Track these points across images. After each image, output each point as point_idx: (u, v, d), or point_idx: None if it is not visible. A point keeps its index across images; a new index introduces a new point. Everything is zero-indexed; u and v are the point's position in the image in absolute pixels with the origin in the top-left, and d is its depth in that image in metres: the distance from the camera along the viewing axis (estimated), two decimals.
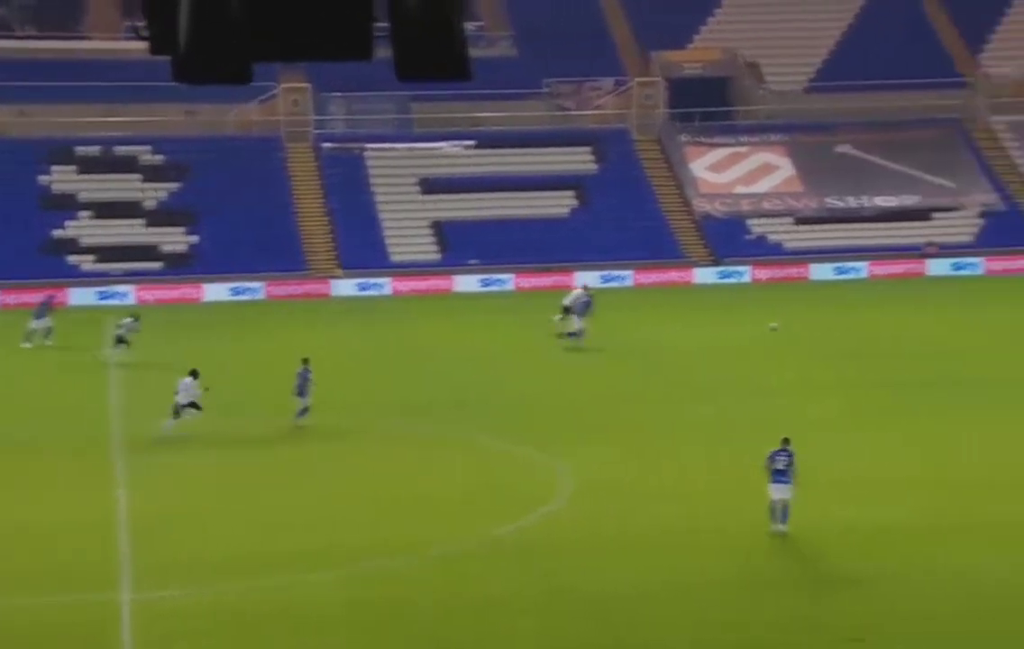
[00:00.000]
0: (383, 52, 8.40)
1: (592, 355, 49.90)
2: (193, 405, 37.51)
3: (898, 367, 46.63)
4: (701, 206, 75.74)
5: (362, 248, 71.78)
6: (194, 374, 38.03)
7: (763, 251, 72.56)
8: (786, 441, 28.55)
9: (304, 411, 38.66)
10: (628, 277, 69.94)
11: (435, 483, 33.05)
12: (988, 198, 75.23)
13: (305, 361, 39.33)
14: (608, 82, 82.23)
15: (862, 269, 70.62)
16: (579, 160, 78.02)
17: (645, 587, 25.62)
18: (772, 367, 46.65)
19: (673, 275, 70.65)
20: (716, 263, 71.55)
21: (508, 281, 69.78)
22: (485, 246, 71.59)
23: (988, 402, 40.48)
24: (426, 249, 72.69)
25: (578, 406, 41.53)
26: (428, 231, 73.57)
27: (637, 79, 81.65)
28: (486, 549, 28.13)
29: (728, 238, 73.33)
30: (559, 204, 75.50)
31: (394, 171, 76.62)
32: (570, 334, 51.64)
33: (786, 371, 45.92)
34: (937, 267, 70.51)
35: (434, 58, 8.36)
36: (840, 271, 70.44)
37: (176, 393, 37.67)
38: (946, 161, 77.20)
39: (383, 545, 28.16)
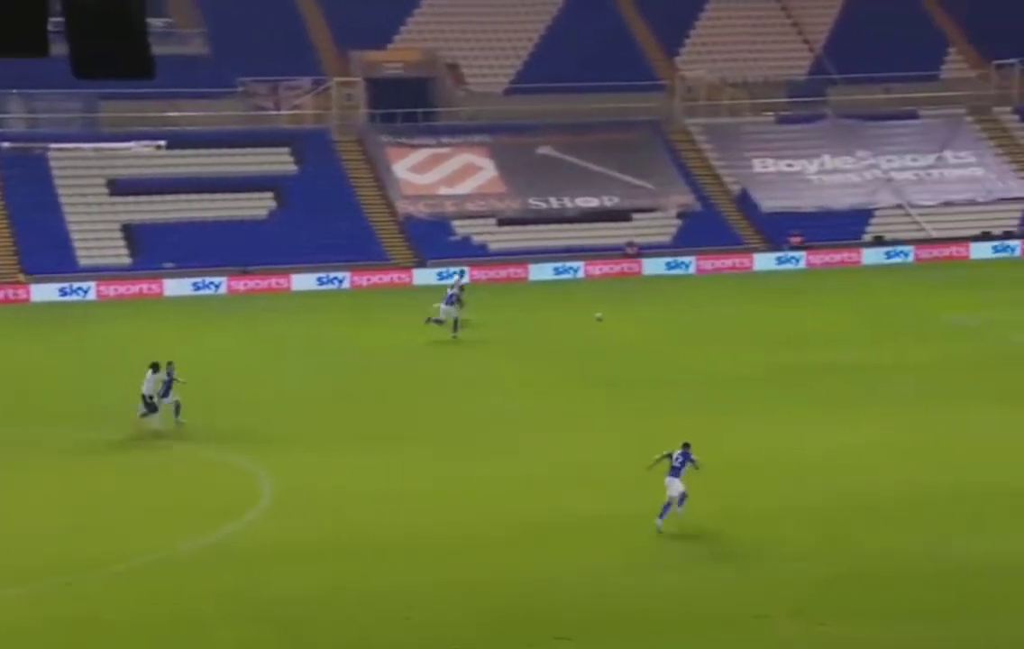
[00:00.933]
0: (63, 48, 8.35)
1: (305, 359, 49.82)
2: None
3: (614, 366, 47.49)
4: (404, 208, 76.23)
5: (47, 252, 69.63)
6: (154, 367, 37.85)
7: (468, 252, 73.59)
8: (686, 445, 29.28)
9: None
10: (345, 279, 70.20)
11: (133, 493, 32.05)
12: (685, 199, 78.03)
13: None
14: (306, 82, 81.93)
15: (579, 269, 72.23)
16: (277, 161, 77.48)
17: (343, 592, 25.39)
18: (491, 367, 47.38)
19: (392, 276, 70.93)
20: (422, 265, 72.26)
21: (221, 284, 69.22)
22: (179, 249, 70.45)
23: (689, 401, 41.65)
24: (116, 253, 70.99)
25: (282, 410, 40.83)
26: (118, 234, 71.94)
27: (336, 79, 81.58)
28: (183, 560, 27.65)
29: (432, 240, 73.95)
30: (257, 206, 74.83)
31: (80, 172, 74.53)
32: (436, 320, 51.98)
33: (505, 371, 46.53)
34: (652, 267, 72.49)
35: (113, 55, 7.93)
36: (559, 271, 71.95)
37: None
38: (645, 163, 79.72)
39: (73, 560, 27.23)
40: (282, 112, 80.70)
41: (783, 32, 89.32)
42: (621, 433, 37.00)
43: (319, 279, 69.62)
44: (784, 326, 55.34)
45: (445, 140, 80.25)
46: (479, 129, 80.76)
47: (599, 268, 72.32)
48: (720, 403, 41.38)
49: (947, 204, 78.51)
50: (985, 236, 75.63)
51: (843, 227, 76.43)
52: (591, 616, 24.40)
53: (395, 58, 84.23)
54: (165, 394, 38.22)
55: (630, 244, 74.40)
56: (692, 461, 29.45)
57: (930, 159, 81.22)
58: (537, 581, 26.06)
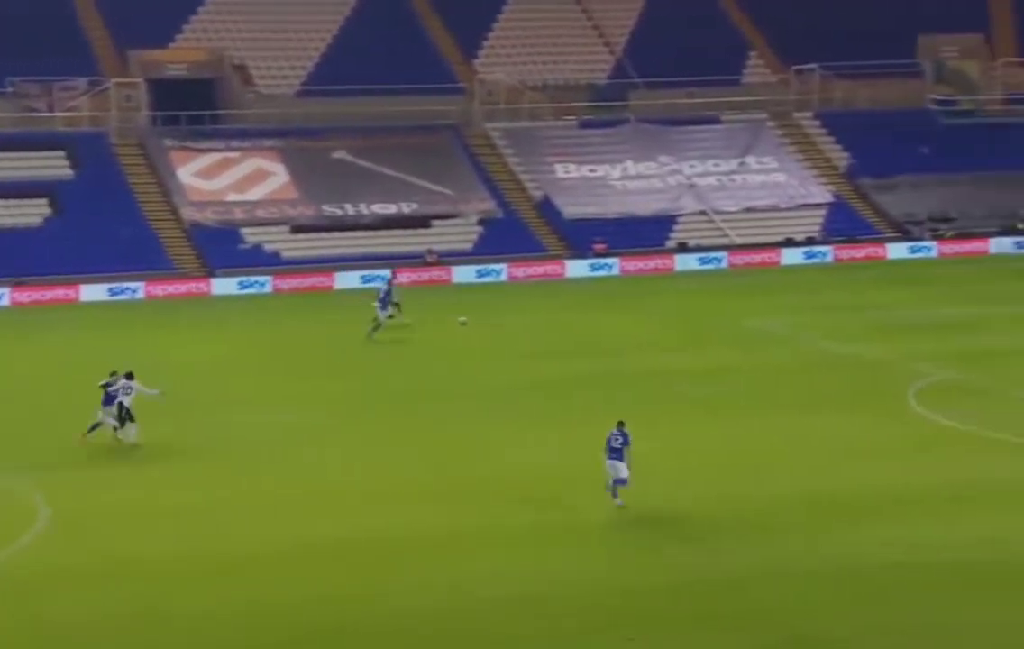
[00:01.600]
0: None
1: (88, 374, 46.48)
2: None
3: (410, 378, 46.24)
4: (190, 215, 72.56)
5: None
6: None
7: (259, 261, 70.39)
8: (621, 423, 31.17)
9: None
10: (139, 289, 66.29)
11: None
12: (486, 205, 76.04)
13: None
14: (82, 82, 77.73)
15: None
16: (52, 165, 73.15)
17: (120, 615, 24.88)
18: (242, 379, 46.28)
19: (189, 286, 67.25)
20: (211, 274, 68.77)
21: (3, 296, 64.90)
22: None
23: (488, 411, 40.82)
24: None
25: (58, 428, 38.27)
26: None
27: (114, 79, 77.59)
28: None
29: (221, 248, 70.45)
30: (30, 213, 70.49)
31: None
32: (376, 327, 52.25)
33: (266, 383, 45.64)
34: (462, 275, 70.15)
35: None
36: (367, 280, 68.92)
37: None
38: (444, 168, 77.52)
39: None
40: (56, 114, 76.32)
41: (584, 35, 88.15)
42: (391, 448, 36.63)
43: (111, 290, 65.76)
44: (592, 333, 54.25)
45: (234, 144, 76.87)
46: (269, 132, 77.59)
47: (407, 275, 69.76)
48: (521, 412, 40.65)
49: (750, 210, 78.07)
50: (788, 242, 75.29)
51: (647, 234, 75.34)
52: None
53: (178, 58, 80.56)
54: None
55: (430, 251, 72.04)
56: (627, 441, 30.84)
57: (732, 165, 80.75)
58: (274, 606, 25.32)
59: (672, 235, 75.95)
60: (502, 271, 70.44)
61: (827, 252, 74.15)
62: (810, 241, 75.57)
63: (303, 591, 26.31)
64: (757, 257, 73.65)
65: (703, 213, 77.53)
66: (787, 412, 40.74)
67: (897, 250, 74.61)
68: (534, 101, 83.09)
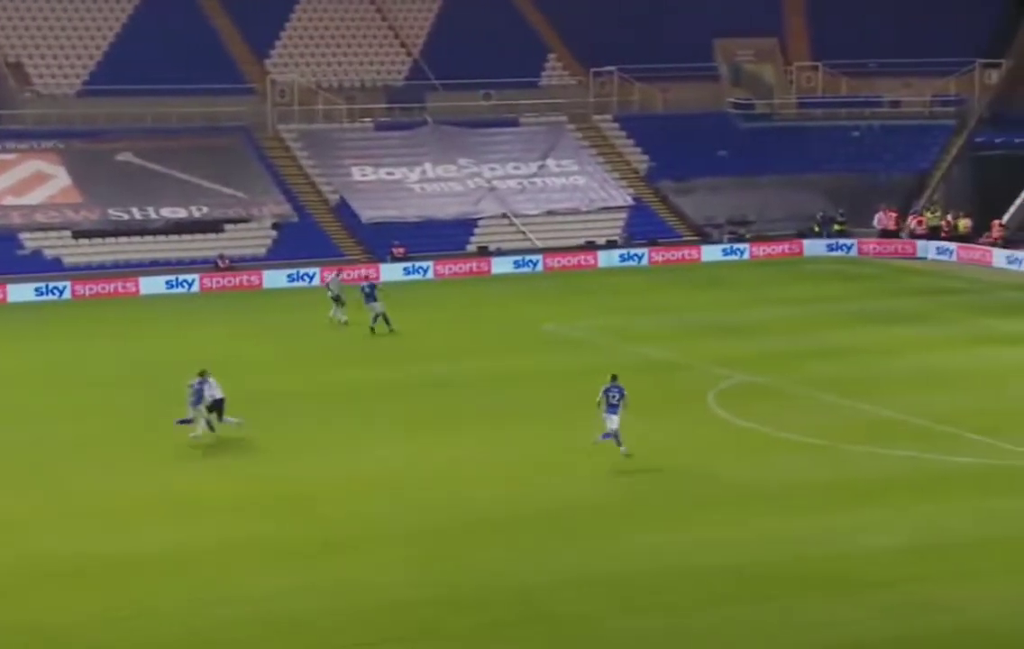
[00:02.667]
0: None
1: None
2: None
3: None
4: None
5: None
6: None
7: (40, 267, 67.61)
8: (615, 377, 34.78)
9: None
10: None
11: None
12: (280, 209, 74.30)
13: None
14: None
15: (194, 282, 67.26)
16: None
17: None
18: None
19: None
20: None
21: None
22: None
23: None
24: None
25: None
26: None
27: None
28: None
29: None
30: None
31: None
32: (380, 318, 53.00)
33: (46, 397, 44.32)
34: (272, 280, 68.43)
35: None
36: (171, 285, 66.87)
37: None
38: (236, 171, 75.55)
39: None
40: None
41: (379, 36, 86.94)
42: (130, 462, 35.92)
43: None
44: (374, 339, 52.90)
45: (10, 146, 73.95)
46: (49, 134, 74.81)
47: (215, 280, 67.76)
48: (298, 422, 40.05)
49: (551, 213, 77.77)
50: (589, 246, 75.12)
51: (447, 237, 74.48)
52: None
53: None
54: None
55: (221, 257, 70.02)
56: (623, 395, 34.29)
57: (532, 167, 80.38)
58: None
59: (473, 239, 75.22)
60: (315, 276, 68.50)
61: (643, 254, 74.11)
62: (611, 244, 75.47)
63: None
64: (574, 260, 73.25)
65: (504, 216, 76.96)
66: (585, 417, 40.19)
67: (711, 252, 75.06)
68: (329, 103, 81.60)
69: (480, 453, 36.56)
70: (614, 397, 34.19)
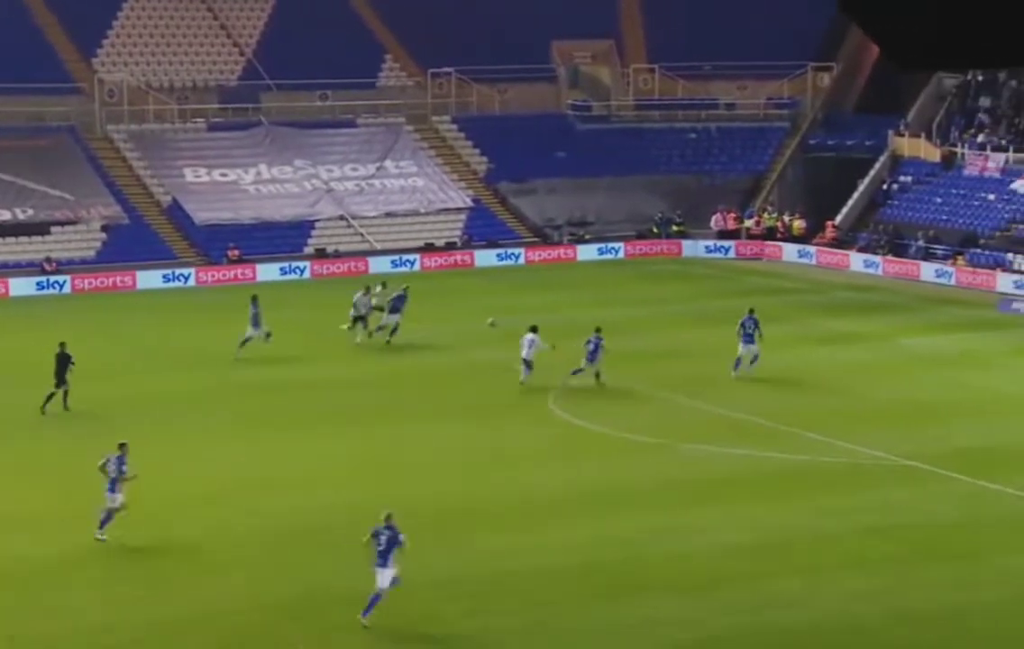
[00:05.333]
0: None
1: None
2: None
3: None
4: None
5: None
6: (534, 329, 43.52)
7: None
8: (752, 310, 43.08)
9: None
10: None
11: None
12: (110, 211, 72.69)
13: None
14: None
15: (66, 283, 65.92)
16: None
17: None
18: None
19: None
20: None
21: None
22: None
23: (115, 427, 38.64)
24: None
25: None
26: None
27: None
28: None
29: None
30: None
31: None
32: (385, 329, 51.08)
33: None
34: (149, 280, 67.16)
35: None
36: (41, 287, 65.32)
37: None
38: (62, 172, 73.70)
39: None
40: None
41: (211, 35, 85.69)
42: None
43: None
44: (215, 343, 52.16)
45: None
46: None
47: (87, 282, 66.19)
48: (159, 427, 39.46)
49: (390, 215, 77.37)
50: (429, 248, 74.89)
51: (283, 239, 73.69)
52: None
53: None
54: None
55: (48, 260, 68.36)
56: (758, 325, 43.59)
57: (371, 169, 79.89)
58: None
59: (310, 241, 74.51)
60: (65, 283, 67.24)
61: (519, 253, 74.47)
62: (450, 246, 75.34)
63: None
64: (451, 259, 73.62)
65: (342, 218, 76.34)
66: (427, 420, 40.14)
67: (586, 252, 75.47)
68: (159, 103, 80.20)
69: (317, 458, 36.12)
70: (750, 327, 43.52)
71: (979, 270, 65.15)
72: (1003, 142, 73.22)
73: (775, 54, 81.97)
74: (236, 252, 71.43)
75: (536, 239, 77.67)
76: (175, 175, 76.63)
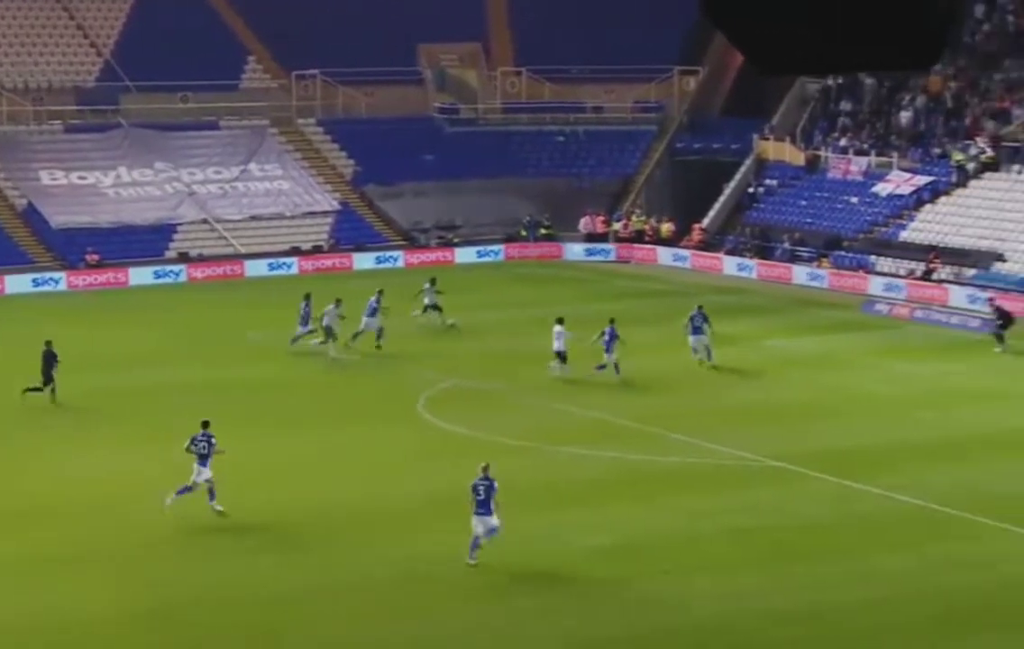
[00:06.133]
0: None
1: None
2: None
3: None
4: None
5: None
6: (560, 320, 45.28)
7: None
8: (700, 306, 46.30)
9: None
10: None
11: None
12: None
13: None
14: None
15: None
16: None
17: None
18: None
19: None
20: None
21: None
22: None
23: None
24: None
25: None
26: None
27: None
28: None
29: None
30: None
31: None
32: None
33: None
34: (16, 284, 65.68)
35: None
36: None
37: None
38: None
39: None
40: None
41: (67, 35, 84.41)
42: None
43: None
44: (95, 347, 51.70)
45: None
46: None
47: None
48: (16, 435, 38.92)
49: (255, 218, 76.87)
50: (295, 251, 74.51)
51: (144, 243, 72.87)
52: None
53: None
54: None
55: None
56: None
57: (234, 172, 79.28)
58: None
59: (172, 244, 73.75)
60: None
61: (398, 256, 74.48)
62: (316, 249, 75.04)
63: None
64: (328, 262, 73.43)
65: (205, 222, 75.66)
66: (290, 427, 39.93)
67: (465, 254, 75.65)
68: (14, 104, 78.80)
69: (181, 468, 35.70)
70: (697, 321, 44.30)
71: (849, 272, 66.36)
72: (865, 146, 74.75)
73: (642, 58, 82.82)
74: (95, 256, 70.45)
75: (404, 242, 77.67)
76: (30, 178, 75.34)
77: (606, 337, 44.98)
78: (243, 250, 74.22)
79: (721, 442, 37.76)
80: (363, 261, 74.04)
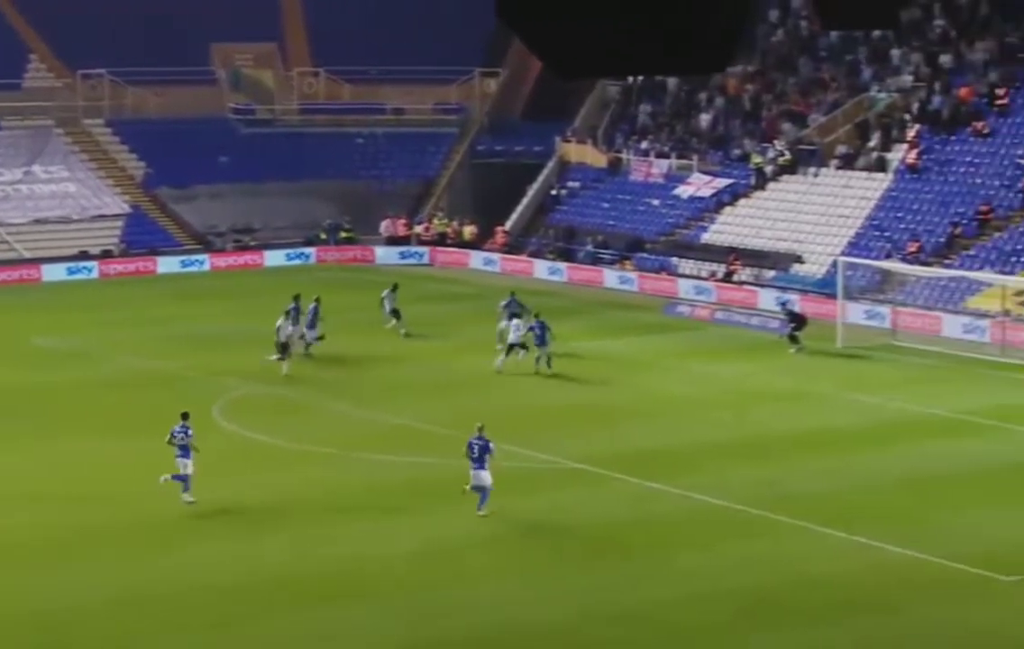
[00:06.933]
0: None
1: None
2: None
3: None
4: None
5: None
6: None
7: None
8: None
9: None
10: None
11: None
12: None
13: None
14: None
15: None
16: None
17: None
18: None
19: None
20: None
21: None
22: None
23: None
24: None
25: None
26: None
27: None
28: None
29: None
30: None
31: None
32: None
33: None
34: None
35: None
36: None
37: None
38: None
39: None
40: None
41: None
42: None
43: None
44: None
45: None
46: None
47: None
48: None
49: (39, 222, 75.35)
50: (83, 256, 73.24)
51: None
52: None
53: None
54: None
55: None
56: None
57: (17, 174, 77.62)
58: None
59: None
60: None
61: (204, 260, 74.18)
62: (106, 254, 73.87)
63: None
64: (132, 266, 72.49)
65: None
66: (87, 435, 39.35)
67: (275, 257, 75.12)
68: None
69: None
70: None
71: (654, 275, 67.53)
72: (666, 148, 76.24)
73: (442, 59, 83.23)
74: None
75: (199, 246, 76.87)
76: None
77: (537, 331, 47.29)
78: (28, 254, 72.73)
79: (524, 445, 38.24)
80: (167, 265, 73.11)
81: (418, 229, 78.62)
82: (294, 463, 36.78)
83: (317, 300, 51.36)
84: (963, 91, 67.53)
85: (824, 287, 60.68)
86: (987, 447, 39.13)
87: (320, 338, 50.13)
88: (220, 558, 29.60)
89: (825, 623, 26.97)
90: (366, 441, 38.80)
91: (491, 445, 32.43)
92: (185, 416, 33.82)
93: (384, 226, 78.68)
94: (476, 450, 32.32)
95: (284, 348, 47.20)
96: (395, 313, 55.31)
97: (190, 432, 33.33)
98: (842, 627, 26.76)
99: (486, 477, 32.10)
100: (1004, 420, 41.63)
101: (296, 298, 50.78)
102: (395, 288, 56.35)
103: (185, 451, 33.13)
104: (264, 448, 38.25)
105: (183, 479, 32.99)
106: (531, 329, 48.00)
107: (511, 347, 47.98)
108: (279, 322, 47.85)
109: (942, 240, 61.92)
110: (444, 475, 35.66)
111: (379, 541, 30.79)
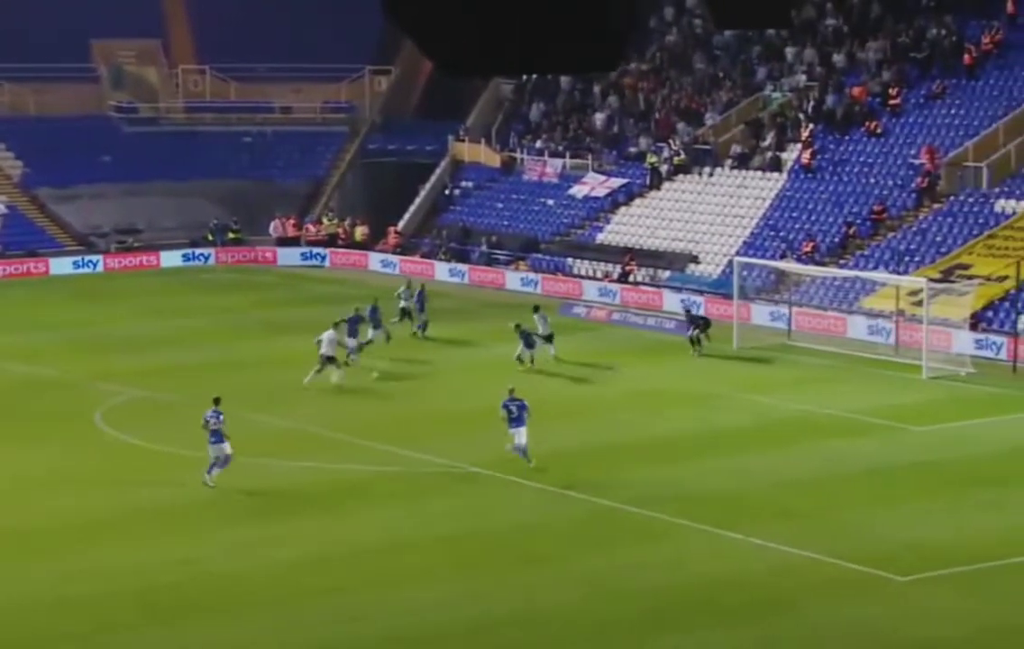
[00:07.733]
0: None
1: None
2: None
3: None
4: None
5: None
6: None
7: None
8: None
9: None
10: None
11: None
12: None
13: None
14: None
15: None
16: None
17: None
18: None
19: None
20: None
21: None
22: None
23: None
24: None
25: None
26: None
27: None
28: None
29: None
30: None
31: None
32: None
33: None
34: None
35: None
36: None
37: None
38: None
39: None
40: None
41: None
42: None
43: None
44: None
45: None
46: None
47: None
48: None
49: None
50: None
51: None
52: None
53: None
54: None
55: None
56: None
57: None
58: None
59: None
60: None
61: (98, 261, 73.85)
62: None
63: None
64: (23, 267, 71.85)
65: None
66: None
67: (171, 258, 74.66)
68: None
69: None
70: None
71: (551, 276, 67.80)
72: (560, 147, 76.64)
73: (331, 57, 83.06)
74: None
75: (80, 248, 76.06)
76: None
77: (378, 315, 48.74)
78: None
79: (421, 450, 38.36)
80: (60, 266, 72.33)
81: (309, 229, 78.33)
82: (181, 469, 36.55)
83: (375, 302, 52.16)
84: (856, 90, 68.61)
85: (720, 287, 61.37)
86: (882, 447, 39.87)
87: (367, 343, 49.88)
88: (100, 567, 29.36)
89: (727, 624, 27.38)
90: (255, 445, 38.46)
91: (525, 403, 35.36)
92: (217, 401, 35.13)
93: (273, 226, 78.37)
94: (515, 409, 35.18)
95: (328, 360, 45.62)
96: (407, 314, 55.55)
97: (221, 417, 34.51)
98: (744, 628, 27.18)
99: (524, 433, 35.06)
100: (899, 420, 42.45)
101: (357, 310, 50.46)
102: (409, 287, 57.06)
103: (217, 436, 34.32)
104: (147, 454, 38.01)
105: (222, 464, 34.28)
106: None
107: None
108: (324, 335, 45.99)
109: (837, 240, 62.88)
110: (334, 480, 35.72)
111: (269, 548, 30.72)
